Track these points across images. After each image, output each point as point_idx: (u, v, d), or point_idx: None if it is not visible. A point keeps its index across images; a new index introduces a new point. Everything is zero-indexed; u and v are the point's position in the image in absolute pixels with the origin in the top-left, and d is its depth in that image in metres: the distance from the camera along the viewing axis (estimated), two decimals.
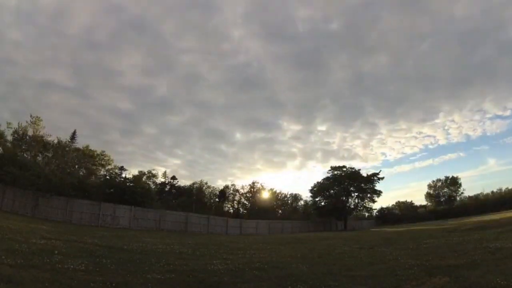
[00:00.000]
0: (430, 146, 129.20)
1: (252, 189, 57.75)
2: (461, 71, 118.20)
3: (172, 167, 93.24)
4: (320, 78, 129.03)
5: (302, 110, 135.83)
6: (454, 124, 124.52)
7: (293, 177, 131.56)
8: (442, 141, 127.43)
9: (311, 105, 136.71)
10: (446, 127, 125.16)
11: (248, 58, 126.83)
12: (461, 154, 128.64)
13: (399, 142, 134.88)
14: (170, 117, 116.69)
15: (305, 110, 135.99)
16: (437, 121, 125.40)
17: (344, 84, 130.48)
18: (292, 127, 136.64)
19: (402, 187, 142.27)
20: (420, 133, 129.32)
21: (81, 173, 35.27)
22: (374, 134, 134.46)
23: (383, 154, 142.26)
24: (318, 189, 58.86)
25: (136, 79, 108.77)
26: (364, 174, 58.72)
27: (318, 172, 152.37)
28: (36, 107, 74.01)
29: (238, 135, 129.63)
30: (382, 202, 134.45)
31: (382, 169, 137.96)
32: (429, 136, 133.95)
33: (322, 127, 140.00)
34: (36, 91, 78.53)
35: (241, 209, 56.34)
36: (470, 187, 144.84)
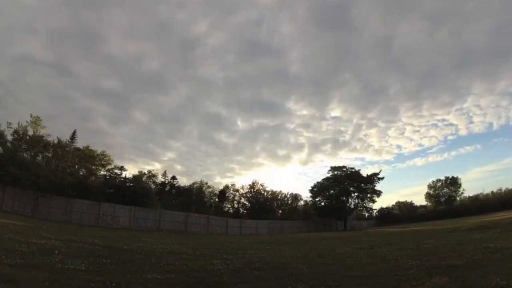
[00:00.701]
0: (450, 137, 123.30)
1: (252, 189, 57.76)
2: (500, 41, 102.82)
3: (166, 161, 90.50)
4: (343, 44, 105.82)
5: (316, 88, 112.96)
6: (479, 110, 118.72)
7: (298, 173, 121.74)
8: (463, 131, 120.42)
9: (328, 80, 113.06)
10: (470, 114, 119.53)
11: (257, 13, 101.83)
12: (478, 146, 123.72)
13: (418, 131, 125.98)
14: (162, 98, 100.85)
15: (320, 87, 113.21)
16: (464, 105, 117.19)
17: (369, 53, 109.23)
18: (302, 112, 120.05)
19: (416, 183, 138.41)
20: (443, 120, 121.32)
21: (81, 173, 35.24)
22: (393, 122, 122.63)
23: (398, 147, 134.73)
24: (318, 189, 58.94)
25: (122, 46, 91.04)
26: (364, 174, 58.85)
27: (325, 167, 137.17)
28: (15, 89, 66.83)
29: (239, 123, 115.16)
30: (391, 199, 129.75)
31: (395, 164, 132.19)
32: (451, 124, 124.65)
33: (337, 112, 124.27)
34: (12, 69, 70.20)
35: (241, 209, 56.34)
36: (493, 182, 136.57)
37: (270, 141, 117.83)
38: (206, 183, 54.83)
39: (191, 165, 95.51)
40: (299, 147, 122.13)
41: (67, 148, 34.61)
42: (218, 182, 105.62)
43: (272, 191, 60.32)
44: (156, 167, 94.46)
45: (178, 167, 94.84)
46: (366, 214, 71.04)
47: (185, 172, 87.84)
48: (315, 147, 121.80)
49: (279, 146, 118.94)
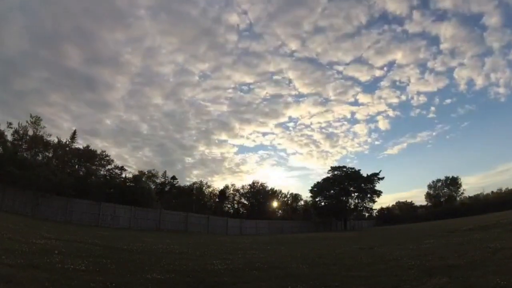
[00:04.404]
0: None
1: (252, 189, 57.76)
2: None
3: (112, 106, 72.46)
4: None
5: None
6: None
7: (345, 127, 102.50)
8: None
9: None
10: None
11: None
12: None
13: None
14: None
15: None
16: None
17: None
18: None
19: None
20: None
21: (81, 173, 35.24)
22: None
23: None
24: (318, 189, 58.96)
25: None
26: (365, 174, 58.86)
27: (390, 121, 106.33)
28: None
29: None
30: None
31: None
32: None
33: None
34: None
35: (241, 209, 56.36)
36: None
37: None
38: (206, 183, 55.01)
39: (156, 115, 72.79)
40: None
41: (67, 148, 34.60)
42: (201, 157, 76.56)
43: (272, 190, 60.41)
44: (105, 126, 71.88)
45: (143, 127, 73.89)
46: (366, 214, 70.96)
47: (150, 140, 69.22)
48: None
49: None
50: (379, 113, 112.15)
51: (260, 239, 25.65)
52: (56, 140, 33.69)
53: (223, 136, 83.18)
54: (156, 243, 15.16)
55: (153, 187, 45.85)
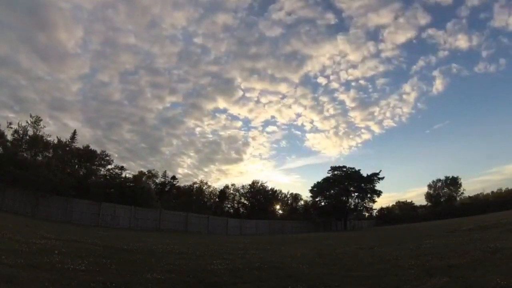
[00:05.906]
0: None
1: (252, 189, 57.76)
2: None
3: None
4: None
5: None
6: None
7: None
8: None
9: None
10: None
11: None
12: None
13: None
14: None
15: None
16: None
17: None
18: None
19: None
20: None
21: (81, 173, 35.25)
22: None
23: None
24: (318, 189, 59.00)
25: None
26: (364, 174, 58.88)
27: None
28: None
29: None
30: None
31: None
32: None
33: None
34: None
35: (241, 209, 56.36)
36: None
37: None
38: (206, 183, 54.98)
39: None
40: None
41: (67, 148, 34.62)
42: (189, 138, 66.34)
43: (272, 190, 60.41)
44: (72, 95, 60.71)
45: (116, 91, 60.61)
46: (366, 214, 70.97)
47: (127, 114, 55.95)
48: None
49: None
50: (440, 64, 77.95)
51: (260, 239, 25.65)
52: (56, 140, 33.78)
53: (221, 103, 59.12)
54: (156, 243, 15.16)
55: (153, 187, 45.87)
